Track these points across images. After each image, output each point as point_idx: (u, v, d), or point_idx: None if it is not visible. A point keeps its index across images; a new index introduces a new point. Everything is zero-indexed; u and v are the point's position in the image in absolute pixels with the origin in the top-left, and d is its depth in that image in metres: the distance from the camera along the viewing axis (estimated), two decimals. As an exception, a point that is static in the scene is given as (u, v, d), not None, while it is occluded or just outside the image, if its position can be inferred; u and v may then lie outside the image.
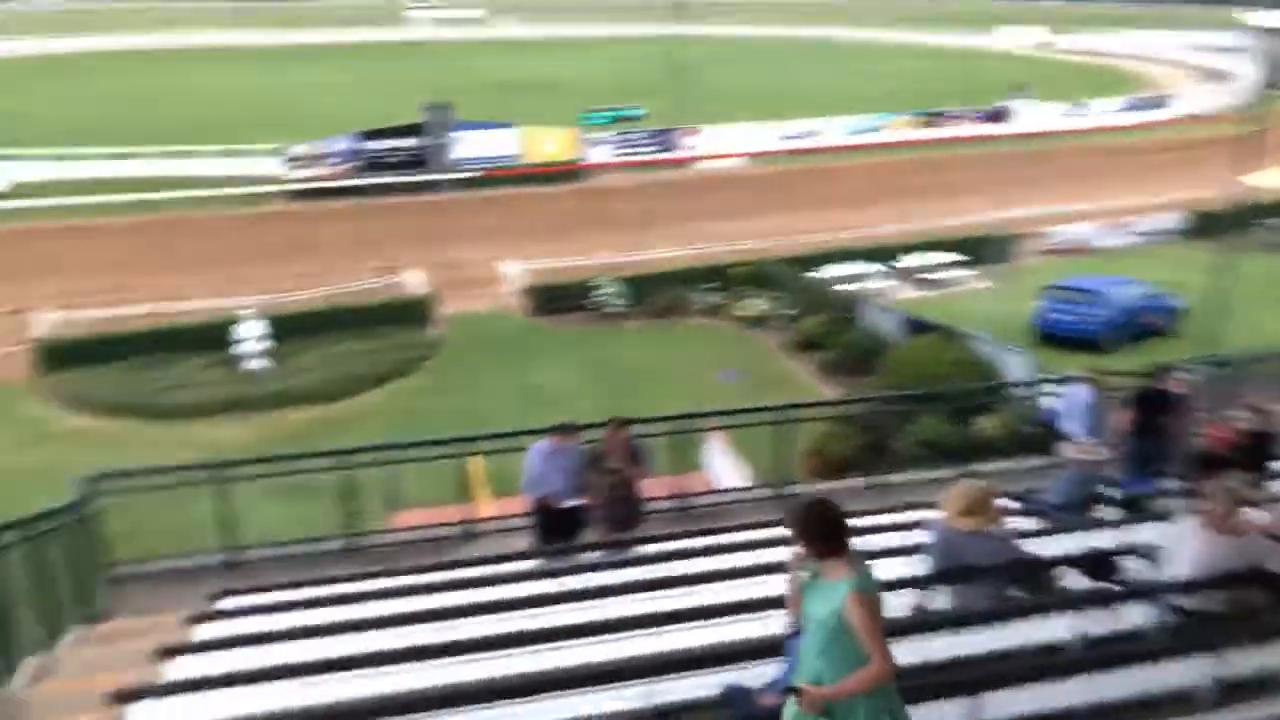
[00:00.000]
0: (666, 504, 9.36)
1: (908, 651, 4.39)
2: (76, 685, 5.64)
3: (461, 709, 4.35)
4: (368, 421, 17.15)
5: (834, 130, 41.14)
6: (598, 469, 7.82)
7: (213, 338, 19.94)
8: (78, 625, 7.28)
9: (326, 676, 4.95)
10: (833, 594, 3.46)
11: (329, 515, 9.09)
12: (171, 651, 5.71)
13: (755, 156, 38.77)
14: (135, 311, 21.49)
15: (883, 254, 25.63)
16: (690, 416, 10.61)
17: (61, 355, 19.83)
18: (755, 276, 23.59)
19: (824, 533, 3.52)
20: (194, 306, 21.73)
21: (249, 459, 9.41)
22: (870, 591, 3.47)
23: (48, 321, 21.13)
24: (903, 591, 5.21)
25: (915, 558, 5.68)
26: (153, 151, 33.85)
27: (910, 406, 13.27)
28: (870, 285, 23.74)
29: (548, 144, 36.26)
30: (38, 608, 6.87)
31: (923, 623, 5.00)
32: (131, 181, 31.95)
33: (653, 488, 8.55)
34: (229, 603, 7.01)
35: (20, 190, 31.32)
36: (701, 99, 37.67)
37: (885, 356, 17.70)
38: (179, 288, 23.60)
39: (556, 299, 23.65)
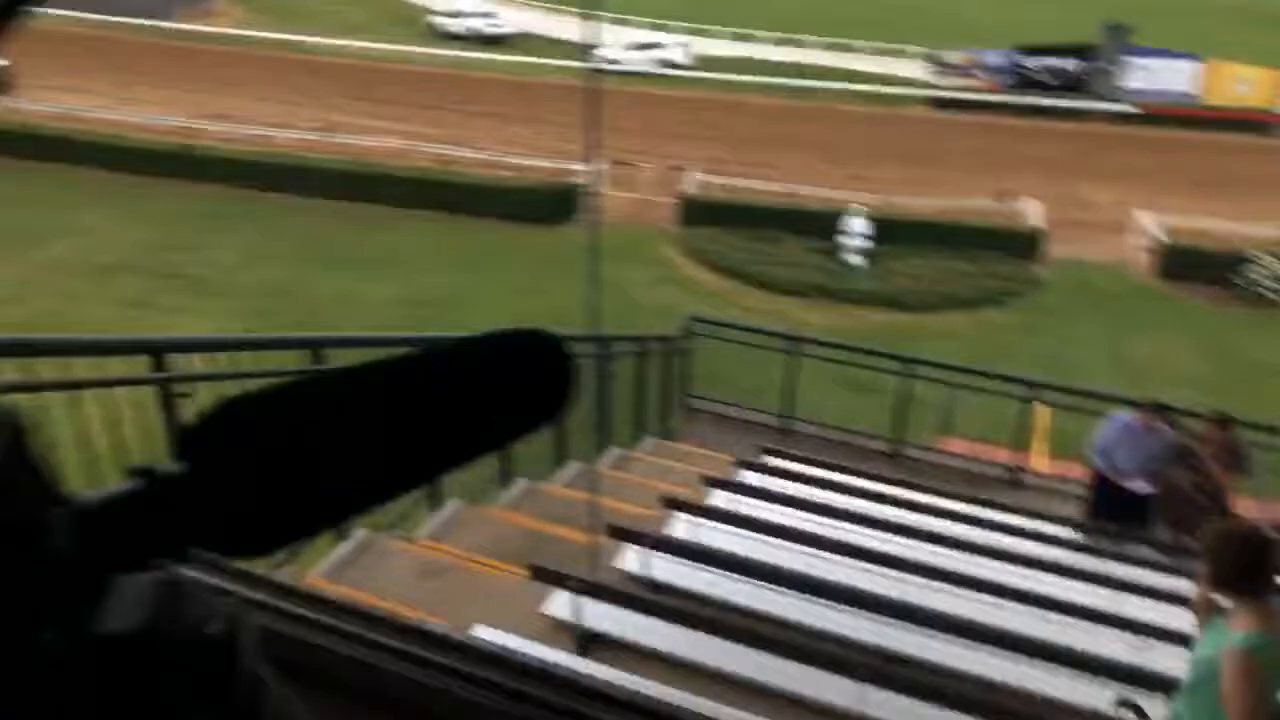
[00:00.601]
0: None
1: None
2: (640, 482, 6.62)
3: (943, 636, 4.25)
4: (943, 340, 16.91)
5: None
6: (1184, 462, 6.82)
7: (822, 226, 21.15)
8: (654, 435, 8.54)
9: (837, 559, 5.13)
10: (1220, 639, 2.86)
11: (878, 416, 9.29)
12: (718, 483, 6.41)
13: None
14: (765, 186, 23.58)
15: None
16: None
17: (698, 213, 22.70)
18: None
19: (1240, 569, 2.88)
20: (814, 192, 23.14)
21: (826, 341, 9.97)
22: (1260, 657, 2.76)
23: (696, 181, 24.25)
24: None
25: None
26: (815, 41, 36.13)
27: None
28: None
29: (1239, 85, 30.83)
30: (631, 411, 8.18)
31: None
32: (791, 67, 34.67)
33: (1246, 504, 7.19)
34: (775, 460, 7.62)
35: (700, 63, 35.88)
36: None
37: None
38: (806, 171, 25.26)
39: (1193, 265, 20.49)
